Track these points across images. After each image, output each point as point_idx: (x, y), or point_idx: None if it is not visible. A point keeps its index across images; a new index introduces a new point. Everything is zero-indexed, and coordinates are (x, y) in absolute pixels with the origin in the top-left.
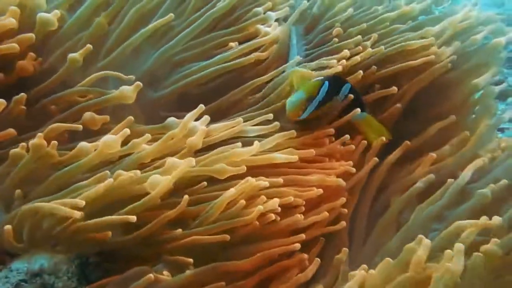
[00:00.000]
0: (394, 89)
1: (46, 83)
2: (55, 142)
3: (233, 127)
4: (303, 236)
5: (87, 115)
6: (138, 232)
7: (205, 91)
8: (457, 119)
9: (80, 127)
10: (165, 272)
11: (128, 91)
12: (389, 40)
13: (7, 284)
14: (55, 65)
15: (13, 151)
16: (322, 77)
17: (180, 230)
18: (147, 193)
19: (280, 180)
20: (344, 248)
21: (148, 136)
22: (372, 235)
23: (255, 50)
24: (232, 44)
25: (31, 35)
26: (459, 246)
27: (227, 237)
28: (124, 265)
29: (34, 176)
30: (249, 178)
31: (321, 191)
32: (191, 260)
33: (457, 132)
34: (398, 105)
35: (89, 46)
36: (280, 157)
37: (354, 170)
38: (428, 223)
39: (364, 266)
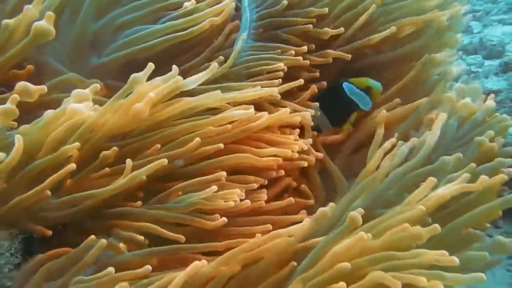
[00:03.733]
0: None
1: None
2: None
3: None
4: (269, 226)
5: (20, 85)
6: (82, 206)
7: (152, 56)
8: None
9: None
10: (121, 244)
11: (43, 24)
12: None
13: None
14: None
15: None
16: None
17: (138, 206)
18: None
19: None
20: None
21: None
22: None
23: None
24: (187, 3)
25: None
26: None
27: (183, 238)
28: (73, 239)
29: None
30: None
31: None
32: (142, 238)
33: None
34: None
35: None
36: (237, 113)
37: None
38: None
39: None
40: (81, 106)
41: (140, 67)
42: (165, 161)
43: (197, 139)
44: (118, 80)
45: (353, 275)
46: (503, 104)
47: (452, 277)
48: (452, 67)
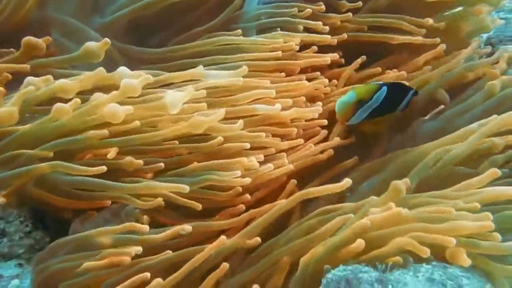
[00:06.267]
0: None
1: None
2: None
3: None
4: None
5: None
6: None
7: (158, 14)
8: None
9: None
10: (145, 217)
11: (95, 47)
12: None
13: None
14: None
15: None
16: (382, 82)
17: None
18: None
19: (263, 134)
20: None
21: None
22: None
23: None
24: None
25: None
26: None
27: (199, 205)
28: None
29: None
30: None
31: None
32: (161, 199)
33: None
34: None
35: None
36: (261, 108)
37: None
38: None
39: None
40: (120, 107)
41: (146, 28)
42: (186, 188)
43: (220, 138)
44: (124, 41)
45: (377, 243)
46: None
47: (489, 245)
48: (487, 19)
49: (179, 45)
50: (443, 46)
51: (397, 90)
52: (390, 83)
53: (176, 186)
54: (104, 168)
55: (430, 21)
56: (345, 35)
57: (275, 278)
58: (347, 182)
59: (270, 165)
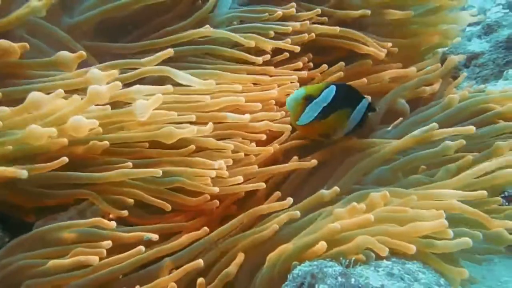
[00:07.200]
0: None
1: None
2: None
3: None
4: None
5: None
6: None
7: (130, 15)
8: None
9: None
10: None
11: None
12: None
13: None
14: None
15: None
16: (331, 82)
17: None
18: None
19: (231, 146)
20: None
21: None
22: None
23: None
24: None
25: None
26: None
27: (169, 206)
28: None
29: None
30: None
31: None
32: (132, 201)
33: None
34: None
35: None
36: (231, 116)
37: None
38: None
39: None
40: (84, 121)
41: (117, 28)
42: (159, 171)
43: (192, 146)
44: (94, 40)
45: (343, 243)
46: (486, 66)
47: (442, 244)
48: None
49: (152, 40)
50: (413, 69)
51: (346, 92)
52: (339, 83)
53: (150, 171)
54: (65, 159)
55: (389, 44)
56: (313, 35)
57: (229, 268)
58: (289, 200)
59: (239, 178)
